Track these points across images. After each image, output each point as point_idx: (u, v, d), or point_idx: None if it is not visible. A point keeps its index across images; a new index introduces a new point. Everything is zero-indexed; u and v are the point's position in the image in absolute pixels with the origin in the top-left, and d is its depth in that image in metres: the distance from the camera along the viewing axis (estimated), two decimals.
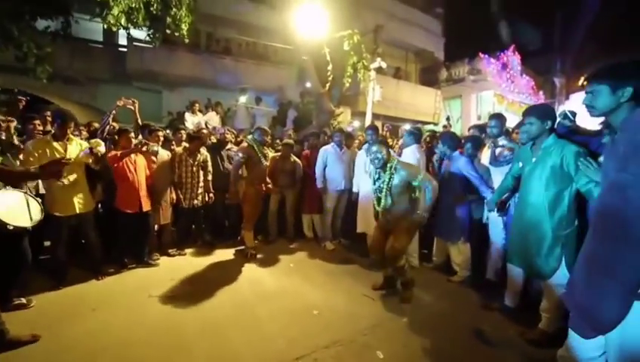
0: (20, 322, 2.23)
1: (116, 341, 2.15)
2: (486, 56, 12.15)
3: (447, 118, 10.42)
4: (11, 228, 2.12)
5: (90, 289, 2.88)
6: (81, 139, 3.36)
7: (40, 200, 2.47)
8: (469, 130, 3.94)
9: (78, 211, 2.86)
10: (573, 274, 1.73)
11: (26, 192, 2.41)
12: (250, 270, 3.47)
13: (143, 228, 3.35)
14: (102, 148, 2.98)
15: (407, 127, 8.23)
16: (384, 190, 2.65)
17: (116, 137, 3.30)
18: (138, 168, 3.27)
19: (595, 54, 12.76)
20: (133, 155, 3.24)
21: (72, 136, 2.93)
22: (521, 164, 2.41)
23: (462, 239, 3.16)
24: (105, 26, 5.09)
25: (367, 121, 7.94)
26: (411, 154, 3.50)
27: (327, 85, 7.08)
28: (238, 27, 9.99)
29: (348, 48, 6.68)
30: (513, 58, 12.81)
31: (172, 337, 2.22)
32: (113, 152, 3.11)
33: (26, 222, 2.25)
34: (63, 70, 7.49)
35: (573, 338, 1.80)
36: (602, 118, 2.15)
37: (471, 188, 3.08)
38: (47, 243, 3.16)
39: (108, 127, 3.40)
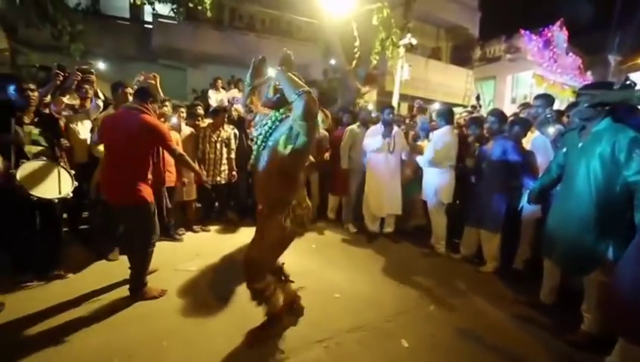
0: (55, 295, 2.31)
1: (147, 310, 2.22)
2: (527, 32, 11.11)
3: (477, 98, 9.65)
4: (35, 198, 2.17)
5: (122, 261, 2.99)
6: None
7: (73, 173, 2.53)
8: (519, 108, 3.62)
9: None
10: (620, 271, 1.57)
11: (60, 165, 2.46)
12: None
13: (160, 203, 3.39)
14: None
15: (436, 106, 7.78)
16: (262, 138, 1.80)
17: None
18: None
19: None
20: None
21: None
22: (565, 150, 2.19)
23: (498, 229, 2.98)
24: (131, 1, 5.09)
25: (394, 102, 7.60)
26: (443, 137, 3.28)
27: (354, 62, 6.78)
28: (262, 1, 9.68)
29: (377, 23, 6.30)
30: (560, 34, 11.64)
31: (197, 310, 2.26)
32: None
33: (52, 194, 2.27)
34: (93, 47, 7.63)
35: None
36: None
37: (513, 175, 2.85)
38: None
39: None
